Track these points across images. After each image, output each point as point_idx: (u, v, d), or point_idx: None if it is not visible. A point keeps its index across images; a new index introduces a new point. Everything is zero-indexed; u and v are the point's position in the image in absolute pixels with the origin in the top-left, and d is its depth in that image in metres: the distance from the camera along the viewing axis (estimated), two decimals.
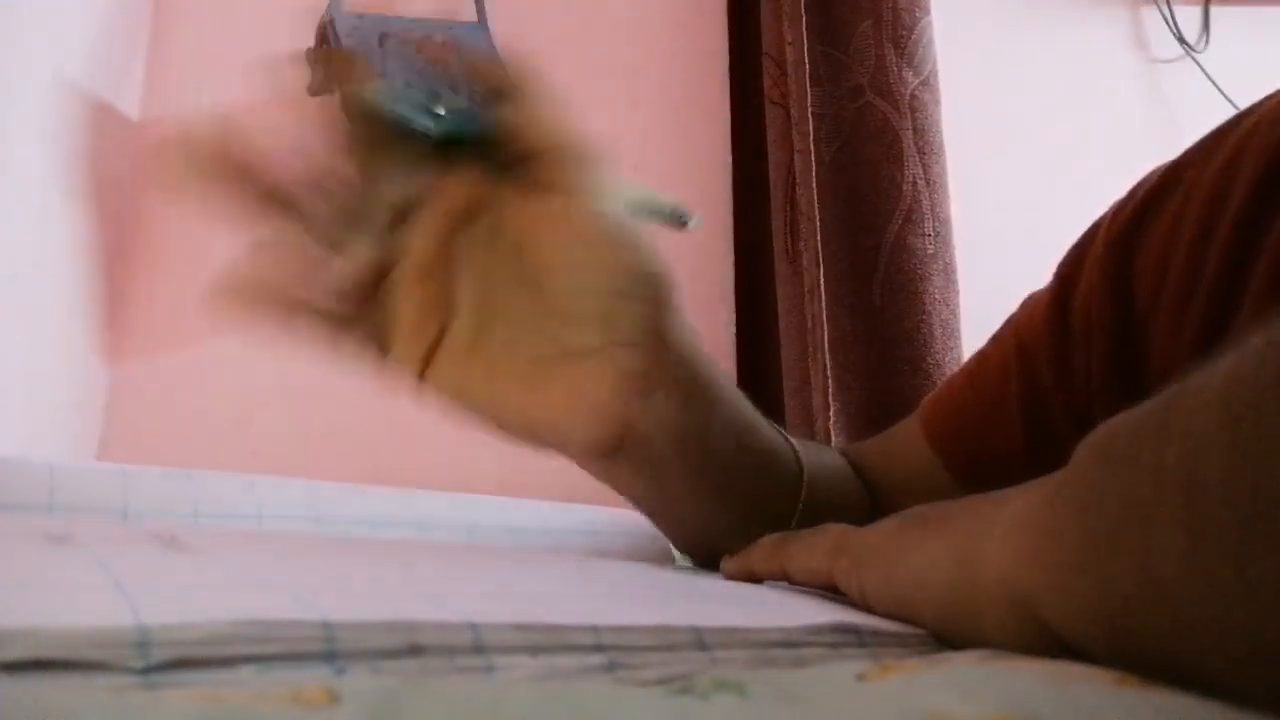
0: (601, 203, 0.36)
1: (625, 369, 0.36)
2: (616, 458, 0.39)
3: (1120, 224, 0.47)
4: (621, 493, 0.44)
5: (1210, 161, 0.42)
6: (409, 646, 0.18)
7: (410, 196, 0.35)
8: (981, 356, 0.55)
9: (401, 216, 0.35)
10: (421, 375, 0.37)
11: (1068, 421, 0.48)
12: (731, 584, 0.40)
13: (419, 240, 0.36)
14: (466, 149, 0.35)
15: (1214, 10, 1.15)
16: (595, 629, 0.21)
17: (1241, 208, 0.39)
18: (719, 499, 0.45)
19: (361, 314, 0.35)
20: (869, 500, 0.56)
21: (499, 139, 0.35)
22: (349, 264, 0.34)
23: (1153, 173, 0.47)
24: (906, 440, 0.57)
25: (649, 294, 0.37)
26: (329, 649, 0.16)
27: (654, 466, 0.40)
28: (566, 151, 0.35)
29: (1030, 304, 0.53)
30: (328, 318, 0.35)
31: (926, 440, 0.55)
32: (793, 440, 0.50)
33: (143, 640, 0.15)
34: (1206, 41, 1.14)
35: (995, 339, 0.55)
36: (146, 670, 0.15)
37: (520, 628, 0.19)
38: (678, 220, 0.49)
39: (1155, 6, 1.15)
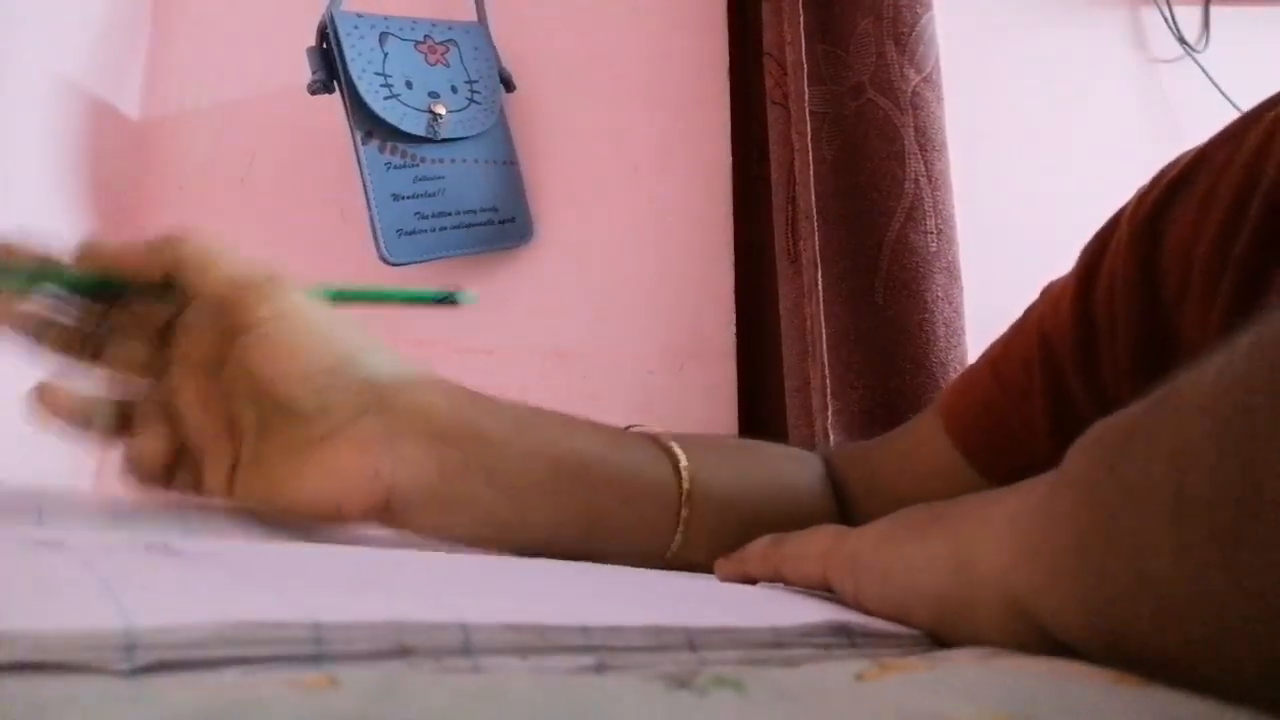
0: (289, 317, 0.41)
1: (356, 439, 0.42)
2: (405, 512, 0.43)
3: (1146, 208, 0.46)
4: (464, 543, 0.46)
5: (1240, 146, 0.42)
6: (398, 647, 0.17)
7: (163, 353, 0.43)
8: (1003, 346, 0.54)
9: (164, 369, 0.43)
10: (230, 493, 0.43)
11: (1094, 410, 0.46)
12: (724, 585, 0.40)
13: (183, 393, 0.43)
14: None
15: (1214, 10, 1.15)
16: (586, 629, 0.20)
17: (1272, 191, 0.38)
18: (555, 525, 0.46)
19: (177, 462, 0.43)
20: (827, 508, 0.56)
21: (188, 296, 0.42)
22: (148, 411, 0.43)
23: (1178, 159, 0.46)
24: (923, 435, 0.56)
25: (346, 377, 0.42)
26: (316, 651, 0.16)
27: (448, 509, 0.44)
28: (231, 294, 0.41)
29: (1052, 292, 0.52)
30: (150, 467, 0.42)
31: (948, 434, 0.54)
32: (681, 454, 0.50)
33: (129, 644, 0.15)
34: (1206, 41, 1.14)
35: (1016, 329, 0.54)
36: (132, 673, 0.15)
37: (511, 628, 0.19)
38: (447, 299, 0.53)
39: (1155, 6, 1.15)
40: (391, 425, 0.42)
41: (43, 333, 0.41)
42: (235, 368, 0.42)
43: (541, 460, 0.46)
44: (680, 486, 0.50)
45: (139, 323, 0.43)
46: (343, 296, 0.47)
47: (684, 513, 0.50)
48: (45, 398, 0.42)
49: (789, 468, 0.57)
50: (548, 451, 0.46)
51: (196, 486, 0.43)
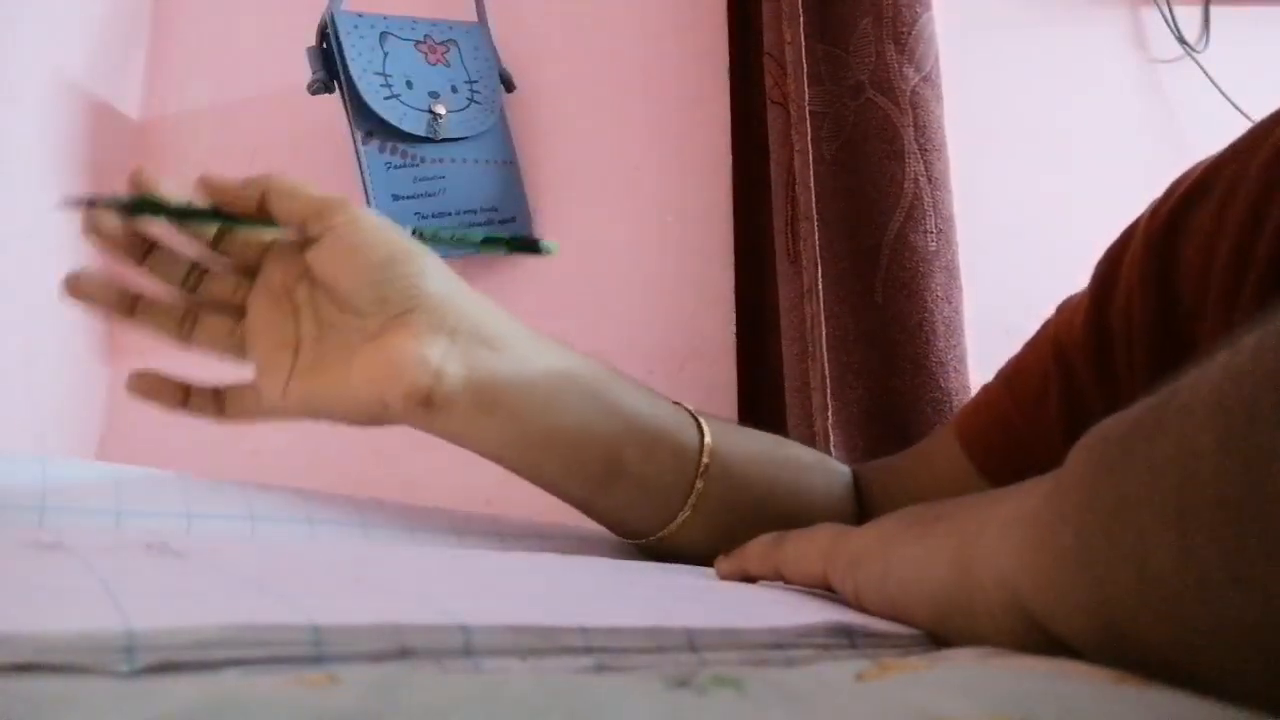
0: (356, 222, 0.46)
1: (409, 326, 0.46)
2: (442, 410, 0.46)
3: (1159, 222, 0.45)
4: (490, 456, 0.50)
5: (1253, 157, 0.41)
6: (398, 649, 0.17)
7: (252, 268, 0.49)
8: (1017, 362, 0.54)
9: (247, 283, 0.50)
10: (283, 399, 0.48)
11: None
12: (725, 584, 0.40)
13: (256, 315, 0.49)
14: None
15: (1214, 10, 1.14)
16: (585, 630, 0.20)
17: None
18: (577, 459, 0.49)
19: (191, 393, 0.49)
20: (842, 518, 0.55)
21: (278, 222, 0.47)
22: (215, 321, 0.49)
23: (1190, 170, 0.46)
24: (939, 452, 0.56)
25: (401, 270, 0.46)
26: (316, 652, 0.16)
27: (485, 411, 0.47)
28: (311, 210, 0.46)
29: (1067, 308, 0.52)
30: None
31: (963, 450, 0.54)
32: (708, 430, 0.52)
33: (129, 645, 0.15)
34: (1206, 41, 1.14)
35: (1031, 344, 0.54)
36: (132, 675, 0.15)
37: (512, 629, 0.19)
38: (529, 248, 0.56)
39: (1155, 6, 1.14)
40: (441, 321, 0.46)
41: (140, 254, 0.47)
42: (305, 281, 0.47)
43: (578, 393, 0.49)
44: (700, 459, 0.51)
45: (236, 254, 0.49)
46: (422, 235, 0.50)
47: (699, 485, 0.51)
48: (73, 283, 0.47)
49: (811, 471, 0.58)
50: (587, 387, 0.49)
51: (214, 411, 0.49)
